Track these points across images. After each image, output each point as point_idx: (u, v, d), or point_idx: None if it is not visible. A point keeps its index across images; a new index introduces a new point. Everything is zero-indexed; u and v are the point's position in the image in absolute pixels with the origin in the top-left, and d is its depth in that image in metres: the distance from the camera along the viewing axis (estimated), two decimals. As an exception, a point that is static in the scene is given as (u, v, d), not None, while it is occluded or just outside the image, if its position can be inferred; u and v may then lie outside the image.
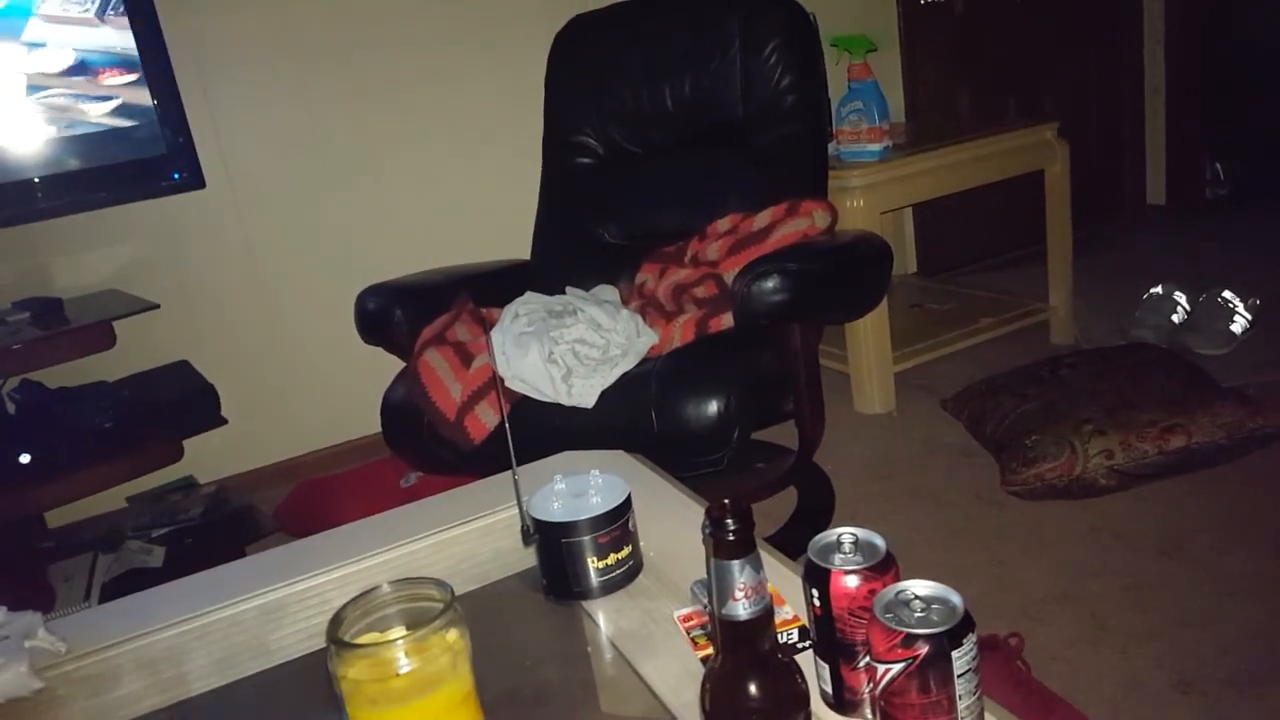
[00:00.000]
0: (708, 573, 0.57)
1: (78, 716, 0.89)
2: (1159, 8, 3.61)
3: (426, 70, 2.49)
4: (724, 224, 1.85)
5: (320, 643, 0.91)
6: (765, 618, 0.57)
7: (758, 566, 0.56)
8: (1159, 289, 2.66)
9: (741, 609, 0.56)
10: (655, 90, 2.02)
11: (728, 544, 0.55)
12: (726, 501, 0.56)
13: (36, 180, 1.92)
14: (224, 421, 2.09)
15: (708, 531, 0.56)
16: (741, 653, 0.57)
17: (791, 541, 1.67)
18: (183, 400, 2.08)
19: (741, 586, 0.56)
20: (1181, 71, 3.63)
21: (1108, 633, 1.48)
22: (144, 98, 1.98)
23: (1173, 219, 3.71)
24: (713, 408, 1.45)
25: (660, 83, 2.01)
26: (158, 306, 2.03)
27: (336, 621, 0.69)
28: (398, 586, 0.73)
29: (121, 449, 1.90)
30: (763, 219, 1.78)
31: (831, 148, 2.33)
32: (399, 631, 0.71)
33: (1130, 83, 3.69)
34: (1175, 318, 2.60)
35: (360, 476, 2.20)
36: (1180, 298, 2.62)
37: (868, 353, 2.36)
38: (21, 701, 0.89)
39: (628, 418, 1.49)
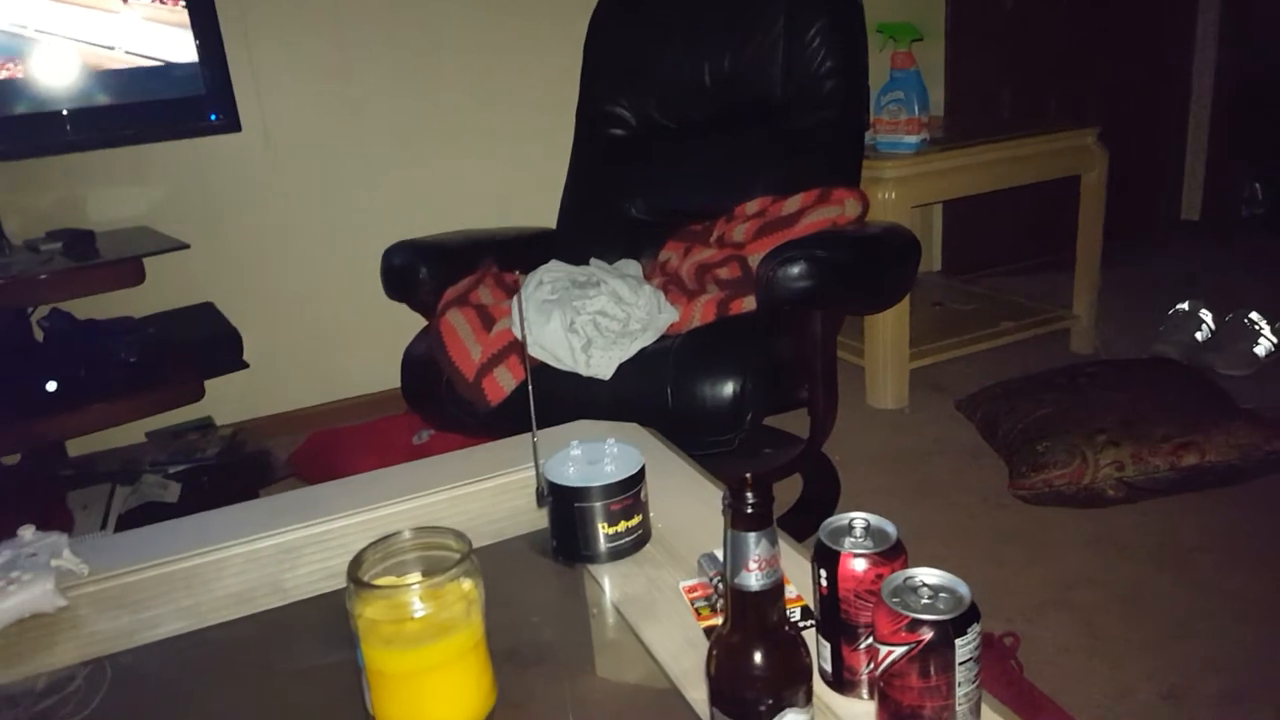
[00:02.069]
0: (724, 543, 0.59)
1: (97, 637, 0.91)
2: (1213, 22, 3.56)
3: (467, 32, 2.49)
4: (753, 206, 1.85)
5: (334, 584, 0.94)
6: (776, 590, 0.58)
7: (773, 540, 0.58)
8: (1185, 305, 2.64)
9: (754, 580, 0.58)
10: (694, 65, 2.01)
11: (746, 516, 0.57)
12: (748, 475, 0.57)
13: (75, 111, 1.94)
14: (245, 366, 2.11)
15: (727, 502, 0.57)
16: (750, 623, 0.59)
17: (794, 528, 1.69)
18: (206, 342, 2.11)
19: (756, 558, 0.57)
20: (1228, 87, 3.58)
21: (1101, 641, 1.49)
22: (187, 37, 1.99)
23: (1205, 236, 3.68)
24: (728, 389, 1.47)
25: (700, 58, 2.00)
26: (188, 247, 2.05)
27: (357, 562, 0.71)
28: (418, 534, 0.75)
29: (144, 385, 1.92)
30: (793, 204, 1.78)
31: (868, 136, 2.32)
32: (416, 577, 0.73)
33: (1175, 94, 3.65)
34: (1199, 336, 2.58)
35: (374, 430, 2.23)
36: (1206, 316, 2.61)
37: (885, 347, 2.36)
38: (43, 618, 0.93)
39: (643, 392, 1.50)
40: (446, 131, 2.53)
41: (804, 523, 1.79)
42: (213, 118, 2.07)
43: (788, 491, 1.95)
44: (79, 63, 1.92)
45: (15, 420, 1.83)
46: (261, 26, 2.28)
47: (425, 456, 1.30)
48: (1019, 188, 2.54)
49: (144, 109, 2.00)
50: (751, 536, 0.57)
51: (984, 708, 0.67)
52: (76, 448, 2.22)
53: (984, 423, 2.18)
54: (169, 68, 1.99)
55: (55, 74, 1.90)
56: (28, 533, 0.98)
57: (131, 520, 1.86)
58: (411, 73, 2.47)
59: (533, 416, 1.01)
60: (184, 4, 1.97)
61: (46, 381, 1.83)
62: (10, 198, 2.08)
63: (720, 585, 0.86)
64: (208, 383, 2.05)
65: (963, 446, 2.17)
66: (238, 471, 2.10)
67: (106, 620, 0.94)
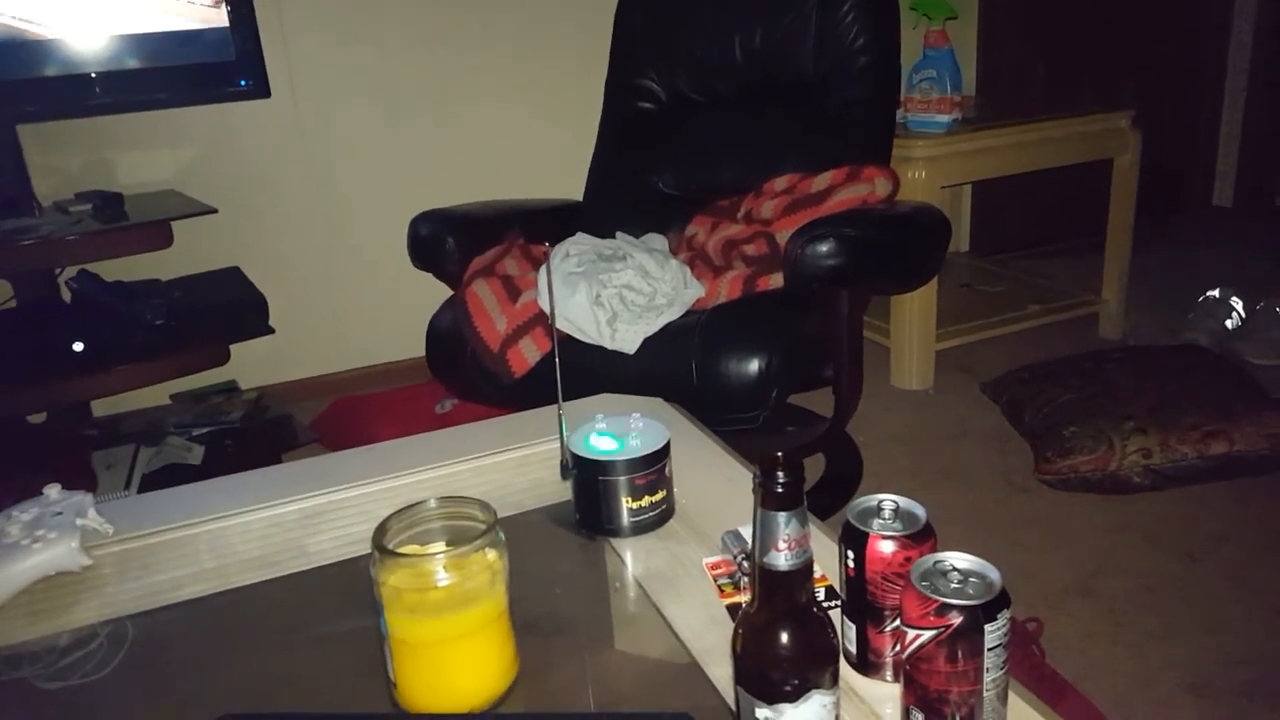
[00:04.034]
0: (753, 522, 0.58)
1: (120, 596, 0.92)
2: (1251, 9, 3.47)
3: (498, 3, 2.47)
4: (781, 183, 1.83)
5: (357, 550, 0.94)
6: (805, 570, 0.58)
7: (803, 520, 0.57)
8: (1215, 292, 2.60)
9: (783, 559, 0.57)
10: (725, 40, 1.98)
11: (776, 495, 0.56)
12: (780, 454, 0.56)
13: (106, 74, 1.94)
14: (271, 331, 2.12)
15: (758, 481, 0.57)
16: (778, 602, 0.58)
17: (816, 507, 1.67)
18: (232, 306, 2.12)
19: (785, 538, 0.56)
20: (1265, 74, 3.50)
21: (1125, 630, 1.48)
22: (218, 1, 1.98)
23: (1237, 223, 3.61)
24: (753, 366, 1.46)
25: (731, 32, 1.97)
26: (215, 211, 2.05)
27: (382, 530, 0.71)
28: (443, 503, 0.75)
29: (169, 347, 1.93)
30: (822, 181, 1.76)
31: (899, 115, 2.29)
32: (441, 546, 0.73)
33: (1210, 80, 3.57)
34: (1229, 323, 2.54)
35: (398, 398, 2.24)
36: (1237, 303, 2.56)
37: (911, 327, 2.34)
38: (68, 577, 0.93)
39: (668, 367, 1.50)
40: (475, 101, 2.52)
41: (826, 502, 1.78)
42: (242, 84, 2.06)
43: (809, 470, 1.92)
44: (109, 26, 1.91)
45: (42, 379, 1.85)
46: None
47: (448, 425, 1.30)
48: (1049, 169, 2.50)
49: (174, 74, 2.00)
50: (782, 516, 0.56)
51: (1011, 694, 0.66)
52: (101, 408, 2.24)
53: (1010, 406, 2.16)
54: (200, 33, 1.98)
55: (84, 37, 1.90)
56: (54, 491, 0.99)
57: (155, 481, 1.88)
58: (441, 44, 2.45)
59: (559, 388, 1.01)
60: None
61: (73, 342, 1.85)
62: (41, 159, 2.09)
63: (745, 563, 0.85)
64: (232, 346, 2.06)
65: (988, 430, 2.15)
66: (261, 435, 2.12)
67: (130, 580, 0.94)
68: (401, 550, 0.71)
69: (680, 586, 0.88)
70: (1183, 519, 1.76)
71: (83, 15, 1.88)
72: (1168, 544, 1.69)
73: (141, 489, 1.87)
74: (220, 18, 1.98)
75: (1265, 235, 3.45)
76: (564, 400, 1.02)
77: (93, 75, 1.91)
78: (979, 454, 2.06)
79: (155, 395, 2.24)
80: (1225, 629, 1.47)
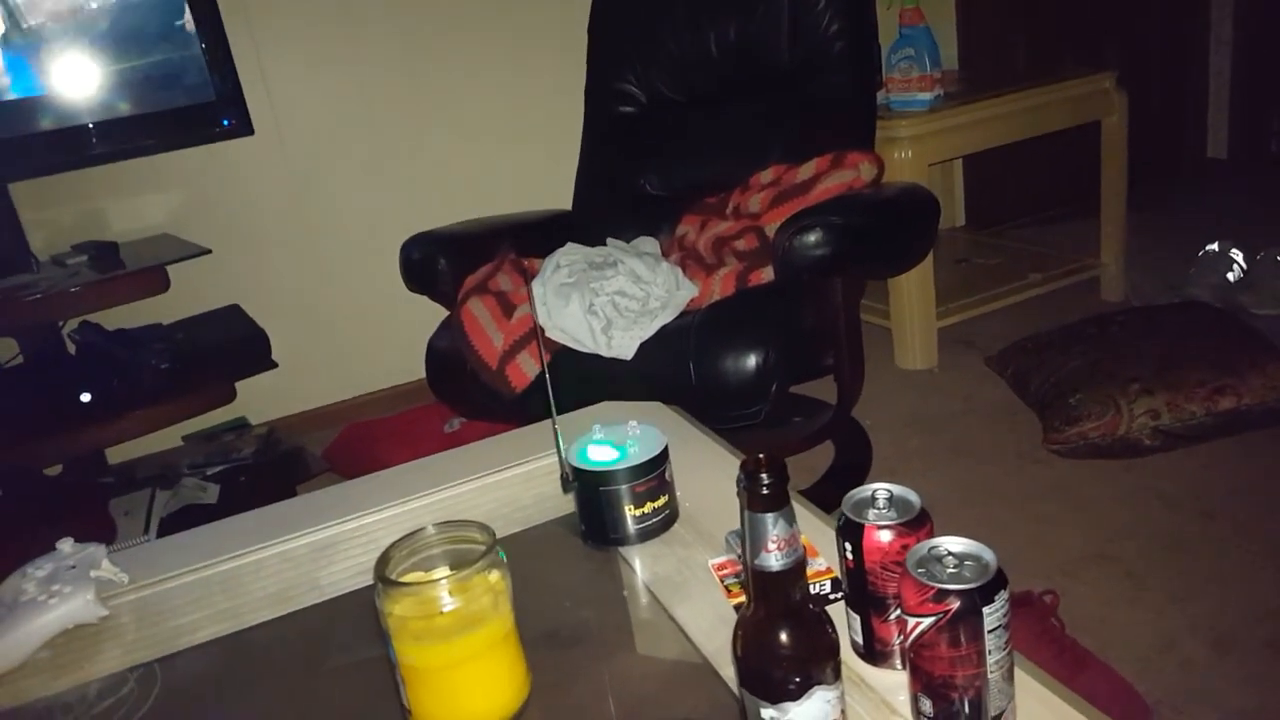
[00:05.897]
0: (741, 524, 0.58)
1: (139, 644, 0.93)
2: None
3: (473, 18, 2.48)
4: (767, 175, 1.83)
5: (368, 580, 0.95)
6: (797, 569, 0.58)
7: (791, 520, 0.57)
8: (1215, 246, 2.58)
9: (774, 560, 0.57)
10: (700, 36, 1.99)
11: (761, 497, 0.57)
12: (761, 455, 0.57)
13: (90, 126, 1.96)
14: (275, 365, 2.14)
15: (742, 484, 0.57)
16: (773, 602, 0.59)
17: (827, 495, 1.68)
18: (235, 343, 2.14)
19: (774, 539, 0.57)
20: (1251, 22, 3.48)
21: (1145, 592, 1.47)
22: (193, 44, 2.00)
23: (1233, 174, 3.59)
24: (751, 361, 1.46)
25: (705, 29, 1.98)
26: (210, 251, 2.07)
27: (384, 560, 0.72)
28: (443, 528, 0.76)
29: (177, 390, 1.95)
30: (807, 170, 1.76)
31: (880, 96, 2.28)
32: (443, 571, 0.73)
33: (1196, 32, 3.55)
34: (1231, 276, 2.53)
35: (406, 421, 2.25)
36: (1237, 255, 2.55)
37: (911, 307, 2.34)
38: (87, 628, 0.95)
39: (666, 370, 1.50)
40: (458, 119, 2.53)
41: (837, 490, 1.78)
42: (225, 123, 2.08)
43: (820, 458, 1.94)
44: (87, 77, 1.93)
45: (55, 432, 1.87)
46: (267, 26, 2.29)
47: (457, 443, 1.31)
48: (1040, 137, 2.49)
49: (157, 120, 2.01)
50: (769, 517, 0.57)
51: (1018, 672, 0.67)
52: (116, 455, 2.26)
53: (1015, 378, 2.15)
54: (178, 77, 2.00)
55: (66, 90, 1.92)
56: (66, 545, 1.00)
57: (173, 524, 1.90)
58: (419, 65, 2.46)
59: (552, 404, 1.02)
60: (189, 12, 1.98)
61: (81, 393, 1.87)
62: (33, 214, 2.11)
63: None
64: (239, 383, 2.08)
65: (995, 404, 2.15)
66: (274, 469, 2.13)
67: (148, 627, 0.96)
68: (404, 579, 0.72)
69: (689, 589, 0.89)
70: (1195, 477, 1.75)
71: (61, 68, 1.91)
72: (1182, 504, 1.69)
73: (160, 532, 1.89)
74: (196, 59, 1.99)
75: (1262, 184, 3.42)
76: (565, 410, 1.03)
77: (79, 127, 1.93)
78: (988, 428, 2.05)
79: (168, 438, 2.26)
80: (1246, 584, 1.46)
